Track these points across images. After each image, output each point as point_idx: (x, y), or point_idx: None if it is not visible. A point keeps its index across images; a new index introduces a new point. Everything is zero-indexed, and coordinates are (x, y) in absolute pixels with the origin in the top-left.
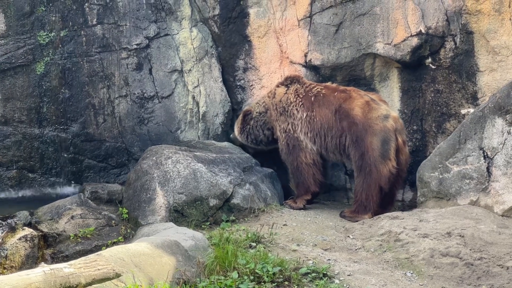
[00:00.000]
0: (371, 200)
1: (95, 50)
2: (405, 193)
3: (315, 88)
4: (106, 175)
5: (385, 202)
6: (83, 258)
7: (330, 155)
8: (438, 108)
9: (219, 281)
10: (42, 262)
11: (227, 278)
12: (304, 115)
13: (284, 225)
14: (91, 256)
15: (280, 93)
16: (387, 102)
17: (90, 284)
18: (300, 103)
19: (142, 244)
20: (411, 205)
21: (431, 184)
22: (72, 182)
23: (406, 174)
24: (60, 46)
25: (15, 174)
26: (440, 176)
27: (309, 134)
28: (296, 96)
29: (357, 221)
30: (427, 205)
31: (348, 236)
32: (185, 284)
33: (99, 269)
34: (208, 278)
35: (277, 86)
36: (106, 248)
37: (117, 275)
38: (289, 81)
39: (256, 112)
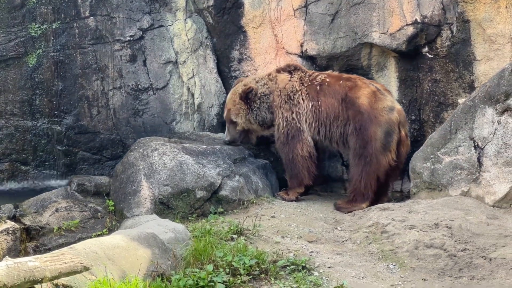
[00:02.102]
0: (369, 188)
1: (88, 42)
2: (404, 183)
3: (319, 77)
4: (101, 167)
5: (380, 193)
6: (52, 252)
7: (333, 145)
8: (436, 97)
9: (193, 273)
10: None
11: (202, 271)
12: (310, 105)
13: (272, 216)
14: (63, 249)
15: (284, 80)
16: (390, 92)
17: (56, 277)
18: (306, 92)
19: (118, 237)
20: (409, 196)
21: (423, 174)
22: (66, 174)
23: (403, 165)
24: (53, 38)
25: (8, 167)
26: (432, 167)
27: (313, 124)
28: (301, 84)
29: (354, 210)
30: (420, 196)
31: (337, 228)
32: (159, 277)
33: (66, 263)
34: (183, 271)
35: (278, 71)
36: None
37: (86, 268)
38: (292, 68)
39: (261, 93)
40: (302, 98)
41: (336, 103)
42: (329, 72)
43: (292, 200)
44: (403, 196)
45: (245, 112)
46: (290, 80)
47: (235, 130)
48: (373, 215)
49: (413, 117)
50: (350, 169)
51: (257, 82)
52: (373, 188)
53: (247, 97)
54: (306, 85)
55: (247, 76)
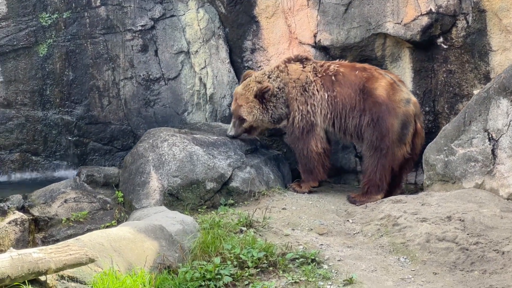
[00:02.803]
0: (384, 180)
1: (99, 32)
2: (418, 175)
3: (332, 66)
4: (112, 158)
5: (393, 185)
6: (57, 243)
7: (347, 136)
8: (451, 88)
9: (200, 266)
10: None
11: (209, 263)
12: (326, 96)
13: (283, 208)
14: (68, 241)
15: (296, 70)
16: (404, 83)
17: (61, 269)
18: (320, 83)
19: (124, 229)
20: (423, 188)
21: (436, 166)
22: (77, 165)
23: (417, 157)
24: (63, 28)
25: (18, 157)
26: (446, 159)
27: (328, 116)
28: (315, 75)
29: (368, 202)
30: (433, 188)
31: (348, 220)
32: (166, 269)
33: (71, 254)
34: (190, 264)
35: (287, 62)
36: None
37: (91, 260)
38: (302, 58)
39: (276, 88)
40: (317, 89)
41: (353, 94)
42: (341, 61)
43: (304, 193)
44: (417, 189)
45: (260, 111)
46: (303, 71)
47: (241, 127)
48: (385, 207)
49: (427, 109)
50: (364, 161)
51: (269, 77)
52: (387, 180)
53: (263, 96)
54: (320, 75)
55: (259, 67)
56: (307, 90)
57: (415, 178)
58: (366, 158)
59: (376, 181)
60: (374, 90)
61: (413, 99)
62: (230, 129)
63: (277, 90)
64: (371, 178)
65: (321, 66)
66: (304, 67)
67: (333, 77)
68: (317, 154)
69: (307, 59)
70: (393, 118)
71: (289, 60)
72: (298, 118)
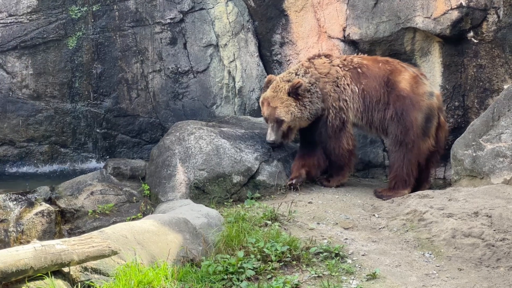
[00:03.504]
0: (411, 175)
1: (128, 25)
2: (447, 170)
3: (355, 60)
4: (140, 150)
5: (420, 179)
6: (81, 235)
7: (373, 130)
8: (481, 83)
9: (223, 259)
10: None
11: (232, 257)
12: (356, 89)
13: (309, 202)
14: (92, 233)
15: (325, 65)
16: (426, 76)
17: (83, 261)
18: (349, 76)
19: (148, 222)
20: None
21: (464, 162)
22: (105, 157)
23: (443, 151)
24: (93, 20)
25: (47, 149)
26: (474, 154)
27: (359, 109)
28: (344, 69)
29: (395, 197)
30: (461, 183)
31: (374, 214)
32: (189, 262)
33: (93, 246)
34: (214, 257)
35: (312, 59)
36: None
37: (114, 253)
38: (326, 55)
39: (307, 83)
40: (347, 83)
41: (378, 86)
42: (362, 55)
43: (331, 187)
44: (446, 184)
45: (297, 108)
46: (332, 65)
47: (280, 130)
48: (411, 202)
49: (456, 103)
50: (391, 156)
51: (296, 74)
52: (414, 175)
53: (297, 92)
54: (347, 69)
55: (288, 61)
56: (339, 85)
57: (444, 173)
58: (392, 153)
59: (403, 175)
60: (398, 83)
61: (436, 92)
62: (268, 134)
63: (309, 85)
64: (397, 173)
65: (345, 60)
66: (331, 62)
67: (359, 70)
68: (348, 152)
69: (329, 55)
70: (417, 112)
71: (313, 57)
72: (332, 116)
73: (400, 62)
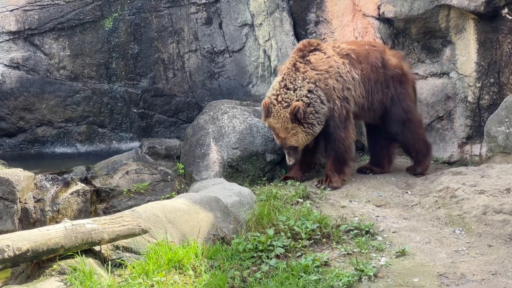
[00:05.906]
0: (426, 143)
1: (163, 5)
2: (483, 147)
3: (343, 46)
4: (176, 130)
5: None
6: (112, 214)
7: (371, 114)
8: None
9: (253, 237)
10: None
11: (262, 235)
12: (356, 76)
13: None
14: (123, 212)
15: (322, 59)
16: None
17: (114, 240)
18: (347, 63)
19: (180, 200)
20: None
21: (498, 138)
22: (142, 137)
23: None
24: (129, 1)
25: (85, 129)
26: (507, 131)
27: (361, 95)
28: (340, 57)
29: (426, 172)
30: (494, 160)
31: (407, 192)
32: (219, 241)
33: (123, 225)
34: (244, 235)
35: (302, 57)
36: None
37: (144, 231)
38: (314, 45)
39: (305, 97)
40: (347, 71)
41: (375, 68)
42: (339, 41)
43: (338, 188)
44: (481, 160)
45: (305, 132)
46: (328, 57)
47: (297, 152)
48: (444, 179)
49: (492, 80)
50: (402, 135)
51: (294, 90)
52: (428, 143)
53: (297, 117)
54: (341, 56)
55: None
56: (341, 75)
57: (480, 150)
58: (400, 132)
59: (422, 150)
60: (389, 61)
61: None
62: (288, 160)
63: (308, 95)
64: (418, 148)
65: (334, 47)
66: (325, 53)
67: (352, 55)
68: (354, 142)
69: (318, 44)
70: (409, 86)
71: (303, 55)
72: (338, 106)
73: (374, 41)
